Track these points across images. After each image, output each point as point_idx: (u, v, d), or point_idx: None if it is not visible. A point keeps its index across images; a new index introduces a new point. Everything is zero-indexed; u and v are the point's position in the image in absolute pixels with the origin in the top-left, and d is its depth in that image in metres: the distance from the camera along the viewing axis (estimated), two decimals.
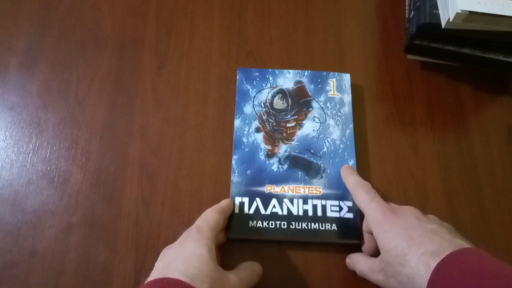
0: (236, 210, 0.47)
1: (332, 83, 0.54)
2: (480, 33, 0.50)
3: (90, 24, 0.60)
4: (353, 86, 0.55)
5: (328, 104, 0.53)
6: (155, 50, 0.58)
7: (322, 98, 0.53)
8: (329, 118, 0.52)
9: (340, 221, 0.47)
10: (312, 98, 0.53)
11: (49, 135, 0.53)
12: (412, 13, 0.56)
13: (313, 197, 0.48)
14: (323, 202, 0.48)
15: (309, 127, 0.52)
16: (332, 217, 0.47)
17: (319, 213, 0.47)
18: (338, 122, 0.52)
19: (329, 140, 0.51)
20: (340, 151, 0.50)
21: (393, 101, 0.56)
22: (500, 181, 0.52)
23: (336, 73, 0.54)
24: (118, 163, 0.51)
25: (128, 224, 0.48)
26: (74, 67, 0.57)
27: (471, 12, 0.47)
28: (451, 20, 0.49)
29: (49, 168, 0.51)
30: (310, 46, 0.59)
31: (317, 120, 0.52)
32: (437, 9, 0.52)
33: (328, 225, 0.46)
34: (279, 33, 0.60)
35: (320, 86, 0.54)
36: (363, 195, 0.44)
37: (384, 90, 0.57)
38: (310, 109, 0.53)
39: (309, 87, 0.54)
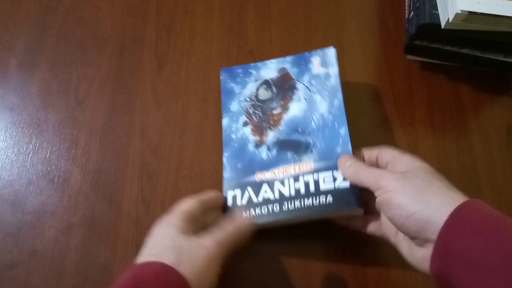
0: (230, 204, 0.46)
1: (315, 60, 0.53)
2: (480, 33, 0.50)
3: (90, 24, 0.60)
4: (353, 85, 0.55)
5: (312, 81, 0.51)
6: (155, 50, 0.58)
7: (306, 77, 0.52)
8: (315, 95, 0.50)
9: (335, 192, 0.44)
10: (295, 80, 0.52)
11: (49, 136, 0.53)
12: (412, 13, 0.56)
13: (304, 174, 0.46)
14: (315, 176, 0.46)
15: (295, 109, 0.50)
16: (326, 189, 0.44)
17: (312, 189, 0.45)
18: (325, 96, 0.50)
19: (316, 116, 0.49)
20: (329, 123, 0.48)
21: (393, 101, 0.56)
22: (500, 181, 0.52)
23: (319, 50, 0.53)
24: (118, 163, 0.51)
25: (128, 224, 0.48)
26: (74, 67, 0.57)
27: (470, 12, 0.47)
28: (450, 20, 0.49)
29: (49, 168, 0.51)
30: (310, 46, 0.59)
31: (302, 100, 0.51)
32: (437, 9, 0.52)
33: (322, 198, 0.44)
34: (279, 33, 0.60)
35: (303, 66, 0.53)
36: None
37: (384, 90, 0.57)
38: (295, 90, 0.51)
39: (293, 71, 0.53)
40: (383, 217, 0.41)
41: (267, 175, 0.47)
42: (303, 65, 0.53)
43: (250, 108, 0.51)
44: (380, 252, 0.48)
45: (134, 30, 0.59)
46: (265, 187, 0.46)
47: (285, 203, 0.45)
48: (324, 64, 0.52)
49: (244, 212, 0.45)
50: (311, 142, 0.48)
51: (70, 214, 0.48)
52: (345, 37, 0.60)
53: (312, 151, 0.47)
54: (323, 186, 0.45)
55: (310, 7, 0.62)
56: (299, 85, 0.52)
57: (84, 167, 0.51)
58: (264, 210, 0.45)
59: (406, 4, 0.61)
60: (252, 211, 0.45)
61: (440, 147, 0.53)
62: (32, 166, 0.51)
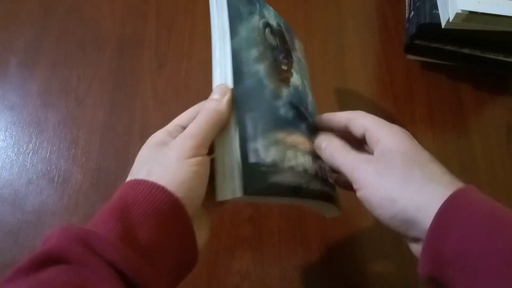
0: (252, 160, 0.33)
1: (300, 44, 0.48)
2: (480, 33, 0.50)
3: (90, 24, 0.60)
4: (353, 85, 0.55)
5: (299, 63, 0.45)
6: (155, 50, 0.58)
7: (295, 54, 0.45)
8: (301, 78, 0.44)
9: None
10: (290, 48, 0.44)
11: (49, 135, 0.53)
12: (412, 13, 0.56)
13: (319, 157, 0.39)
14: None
15: (296, 79, 0.42)
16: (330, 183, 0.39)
17: (324, 175, 0.39)
18: (305, 80, 0.45)
19: (309, 101, 0.43)
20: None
21: (393, 101, 0.56)
22: (500, 181, 0.52)
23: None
24: (118, 163, 0.51)
25: None
26: (74, 67, 0.57)
27: (471, 12, 0.47)
28: (451, 20, 0.49)
29: (49, 168, 0.51)
30: (310, 46, 0.59)
31: (297, 75, 0.43)
32: (437, 9, 0.52)
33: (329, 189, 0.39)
34: None
35: (292, 40, 0.46)
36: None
37: (384, 90, 0.57)
38: (291, 59, 0.44)
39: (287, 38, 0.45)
40: None
41: (289, 139, 0.37)
42: (292, 39, 0.46)
43: (259, 44, 0.39)
44: (380, 252, 0.48)
45: (134, 30, 0.59)
46: (289, 153, 0.36)
47: (310, 182, 0.37)
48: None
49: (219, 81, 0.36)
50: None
51: (70, 214, 0.48)
52: (345, 37, 0.60)
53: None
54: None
55: (310, 7, 0.62)
56: (294, 56, 0.44)
57: (84, 167, 0.51)
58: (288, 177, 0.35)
59: (406, 3, 0.61)
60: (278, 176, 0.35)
61: (440, 147, 0.53)
62: (32, 166, 0.51)
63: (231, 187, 0.32)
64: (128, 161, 0.51)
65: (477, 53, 0.54)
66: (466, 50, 0.54)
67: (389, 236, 0.48)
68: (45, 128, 0.53)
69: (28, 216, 0.48)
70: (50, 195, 0.49)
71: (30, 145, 0.52)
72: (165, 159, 0.32)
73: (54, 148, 0.52)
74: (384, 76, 0.58)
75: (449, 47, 0.54)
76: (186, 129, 0.33)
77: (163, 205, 0.29)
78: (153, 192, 0.30)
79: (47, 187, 0.50)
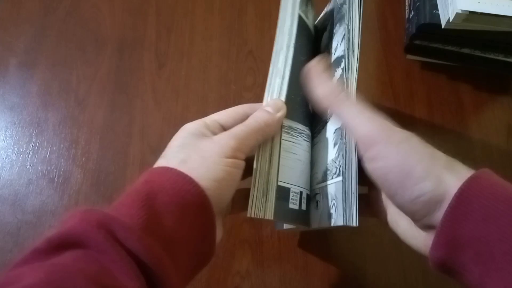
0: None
1: None
2: (480, 33, 0.50)
3: (90, 24, 0.60)
4: None
5: None
6: (155, 50, 0.58)
7: None
8: None
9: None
10: None
11: (49, 135, 0.53)
12: (412, 13, 0.56)
13: None
14: None
15: None
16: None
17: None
18: None
19: None
20: None
21: (393, 101, 0.56)
22: None
23: None
24: (118, 163, 0.51)
25: None
26: (74, 67, 0.57)
27: (471, 12, 0.47)
28: (451, 20, 0.49)
29: (49, 168, 0.51)
30: None
31: None
32: (437, 9, 0.52)
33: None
34: None
35: None
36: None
37: (384, 90, 0.57)
38: None
39: None
40: (377, 192, 0.34)
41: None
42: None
43: None
44: (380, 252, 0.48)
45: (134, 30, 0.59)
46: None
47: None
48: None
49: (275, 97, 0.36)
50: None
51: None
52: None
53: None
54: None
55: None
56: None
57: (84, 167, 0.51)
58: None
59: (406, 4, 0.61)
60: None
61: (440, 147, 0.53)
62: (32, 166, 0.51)
63: (266, 208, 0.33)
64: (128, 161, 0.51)
65: (477, 53, 0.54)
66: (466, 50, 0.54)
67: (389, 236, 0.48)
68: (45, 128, 0.53)
69: (28, 216, 0.48)
70: (50, 195, 0.49)
71: (30, 145, 0.52)
72: (205, 151, 0.31)
73: (54, 148, 0.52)
74: (384, 76, 0.57)
75: (449, 47, 0.54)
76: (233, 129, 0.33)
77: (190, 196, 0.29)
78: (181, 181, 0.29)
79: (47, 187, 0.50)
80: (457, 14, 0.47)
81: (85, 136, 0.53)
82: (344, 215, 0.31)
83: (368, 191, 0.36)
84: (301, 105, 0.38)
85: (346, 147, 0.33)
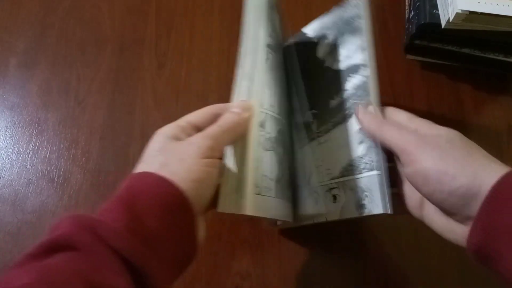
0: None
1: None
2: (480, 33, 0.50)
3: (90, 24, 0.60)
4: None
5: None
6: (155, 50, 0.58)
7: None
8: None
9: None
10: None
11: (49, 135, 0.53)
12: (412, 13, 0.56)
13: None
14: None
15: None
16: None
17: None
18: None
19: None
20: None
21: (393, 101, 0.56)
22: None
23: None
24: (118, 163, 0.51)
25: None
26: (74, 67, 0.57)
27: (471, 12, 0.47)
28: (451, 20, 0.49)
29: (49, 168, 0.51)
30: None
31: None
32: (437, 9, 0.52)
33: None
34: None
35: None
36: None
37: (384, 90, 0.56)
38: None
39: None
40: (407, 189, 0.36)
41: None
42: None
43: None
44: (380, 252, 0.48)
45: (134, 30, 0.59)
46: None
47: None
48: None
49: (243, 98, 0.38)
50: None
51: None
52: None
53: None
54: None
55: (310, 7, 0.62)
56: None
57: (84, 167, 0.51)
58: None
59: (406, 3, 0.61)
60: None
61: None
62: (32, 166, 0.51)
63: (239, 203, 0.34)
64: (128, 161, 0.51)
65: (477, 53, 0.54)
66: (466, 50, 0.54)
67: (389, 236, 0.48)
68: (45, 128, 0.53)
69: (28, 216, 0.48)
70: (50, 195, 0.49)
71: (30, 145, 0.52)
72: (183, 152, 0.32)
73: (54, 148, 0.52)
74: (384, 76, 0.57)
75: (449, 47, 0.54)
76: (207, 129, 0.34)
77: (170, 197, 0.30)
78: (161, 184, 0.30)
79: (47, 187, 0.50)
80: (457, 14, 0.47)
81: (85, 136, 0.53)
82: (383, 204, 0.35)
83: (398, 191, 0.38)
84: (282, 99, 0.41)
85: (377, 147, 0.37)
